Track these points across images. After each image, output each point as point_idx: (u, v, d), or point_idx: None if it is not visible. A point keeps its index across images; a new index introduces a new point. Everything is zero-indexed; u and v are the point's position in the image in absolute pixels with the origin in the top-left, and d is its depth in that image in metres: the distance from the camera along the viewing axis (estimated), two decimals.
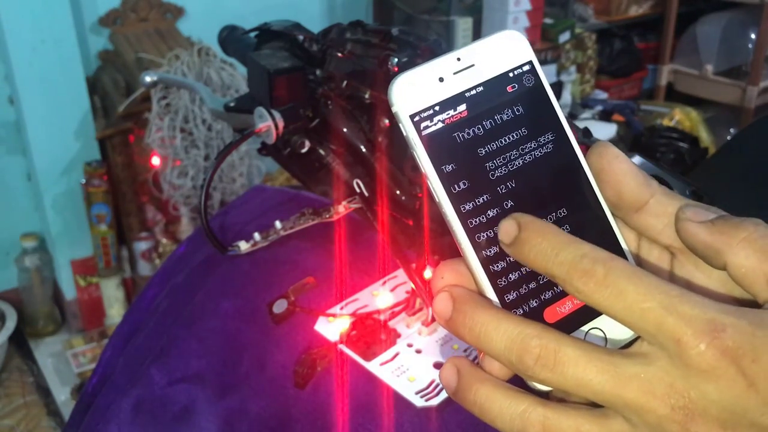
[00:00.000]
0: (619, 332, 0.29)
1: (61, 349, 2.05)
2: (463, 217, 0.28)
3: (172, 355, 0.63)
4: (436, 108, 0.29)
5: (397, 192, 0.62)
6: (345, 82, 0.62)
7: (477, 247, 0.29)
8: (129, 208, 2.05)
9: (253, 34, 0.74)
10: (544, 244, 0.27)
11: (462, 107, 0.29)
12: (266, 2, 2.16)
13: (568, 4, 2.65)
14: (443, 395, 0.56)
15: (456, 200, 0.28)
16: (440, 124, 0.29)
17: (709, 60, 2.83)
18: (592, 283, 0.26)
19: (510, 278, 0.29)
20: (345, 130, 0.64)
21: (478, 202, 0.29)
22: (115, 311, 2.07)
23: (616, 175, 0.29)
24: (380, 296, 0.65)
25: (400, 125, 0.29)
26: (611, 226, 0.30)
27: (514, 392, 0.27)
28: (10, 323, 1.99)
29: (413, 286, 0.62)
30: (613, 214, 0.30)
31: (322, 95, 0.64)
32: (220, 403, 0.59)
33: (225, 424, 0.58)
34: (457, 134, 0.29)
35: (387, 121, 0.61)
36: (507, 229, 0.28)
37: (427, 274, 0.63)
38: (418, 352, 0.61)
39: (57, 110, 1.87)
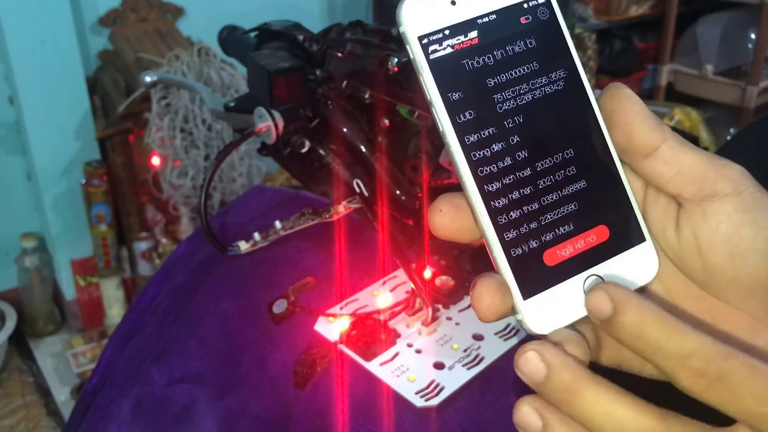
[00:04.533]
0: (619, 281, 0.28)
1: (61, 349, 2.05)
2: (467, 149, 0.27)
3: (172, 355, 0.63)
4: (446, 32, 0.28)
5: (397, 192, 0.62)
6: (345, 82, 0.62)
7: (479, 182, 0.27)
8: (129, 208, 2.05)
9: (253, 34, 0.74)
10: (644, 331, 0.25)
11: (473, 34, 0.28)
12: (266, 2, 2.16)
13: (568, 4, 2.65)
14: (443, 395, 0.56)
15: (460, 130, 0.27)
16: (449, 49, 0.28)
17: (709, 60, 2.82)
18: (704, 383, 0.24)
19: (511, 216, 0.28)
20: (345, 130, 0.64)
21: (484, 134, 0.27)
22: (115, 311, 2.06)
23: (627, 116, 0.28)
24: (380, 296, 0.65)
25: (407, 47, 0.28)
26: (618, 172, 0.29)
27: (630, 400, 0.26)
28: (10, 323, 1.99)
29: (413, 286, 0.62)
30: (621, 161, 0.29)
31: (322, 95, 0.64)
32: (220, 403, 0.59)
33: (225, 424, 0.58)
34: (466, 62, 0.28)
35: (387, 121, 0.61)
36: (599, 306, 0.26)
37: (427, 274, 0.63)
38: (418, 352, 0.61)
39: (57, 110, 1.87)
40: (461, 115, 0.27)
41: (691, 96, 2.89)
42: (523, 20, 0.29)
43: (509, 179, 0.28)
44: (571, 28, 2.74)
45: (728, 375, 0.24)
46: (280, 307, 0.63)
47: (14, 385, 1.97)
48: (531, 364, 0.26)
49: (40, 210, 2.05)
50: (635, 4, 2.89)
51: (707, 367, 0.24)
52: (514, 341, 0.61)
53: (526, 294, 0.28)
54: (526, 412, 0.26)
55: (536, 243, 0.28)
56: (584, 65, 2.75)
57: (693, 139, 2.50)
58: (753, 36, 2.72)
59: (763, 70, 2.69)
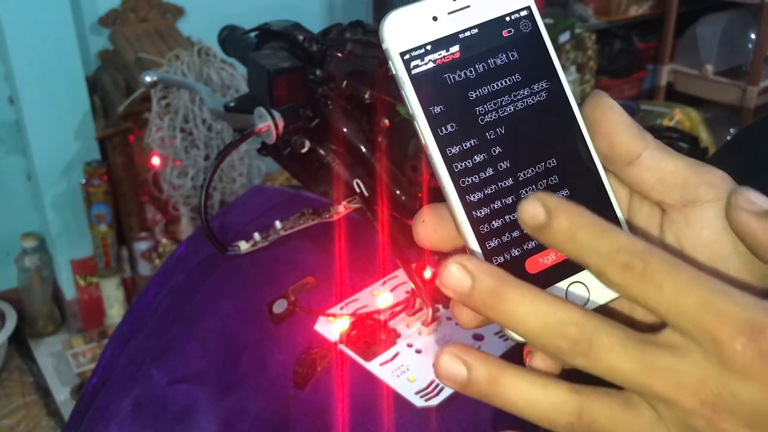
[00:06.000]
0: (602, 288, 0.28)
1: (61, 349, 2.05)
2: (449, 161, 0.28)
3: (172, 355, 0.63)
4: (428, 47, 0.28)
5: (397, 192, 0.62)
6: (345, 82, 0.62)
7: (461, 192, 0.28)
8: (129, 208, 2.05)
9: (253, 34, 0.74)
10: (577, 233, 0.25)
11: (455, 48, 0.28)
12: (266, 2, 2.17)
13: (568, 4, 2.65)
14: (443, 395, 0.56)
15: (442, 143, 0.28)
16: (431, 64, 0.28)
17: (709, 60, 2.82)
18: (629, 277, 0.25)
19: (493, 225, 0.28)
20: (345, 130, 0.64)
21: (465, 146, 0.28)
22: (115, 311, 2.07)
23: (609, 125, 0.28)
24: (380, 296, 0.65)
25: (390, 63, 0.28)
26: (601, 180, 0.29)
27: (544, 380, 0.26)
28: (10, 323, 1.99)
29: (413, 286, 0.62)
30: (605, 169, 0.29)
31: (322, 95, 0.64)
32: (220, 403, 0.59)
33: (225, 424, 0.58)
34: (448, 76, 0.28)
35: (387, 121, 0.61)
36: (532, 213, 0.25)
37: (427, 274, 0.63)
38: (418, 352, 0.61)
39: (57, 110, 1.87)
40: (443, 128, 0.28)
41: (691, 96, 2.89)
42: (505, 33, 0.29)
43: (491, 189, 0.28)
44: (571, 28, 2.71)
45: (652, 269, 0.25)
46: (280, 307, 0.63)
47: (14, 385, 1.97)
48: (455, 276, 0.26)
49: (40, 210, 2.05)
50: (635, 4, 2.89)
51: (633, 260, 0.25)
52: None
53: None
54: (448, 361, 0.26)
55: (518, 251, 0.28)
56: (584, 65, 2.73)
57: (693, 139, 2.50)
58: (753, 36, 2.72)
59: (763, 70, 2.69)
